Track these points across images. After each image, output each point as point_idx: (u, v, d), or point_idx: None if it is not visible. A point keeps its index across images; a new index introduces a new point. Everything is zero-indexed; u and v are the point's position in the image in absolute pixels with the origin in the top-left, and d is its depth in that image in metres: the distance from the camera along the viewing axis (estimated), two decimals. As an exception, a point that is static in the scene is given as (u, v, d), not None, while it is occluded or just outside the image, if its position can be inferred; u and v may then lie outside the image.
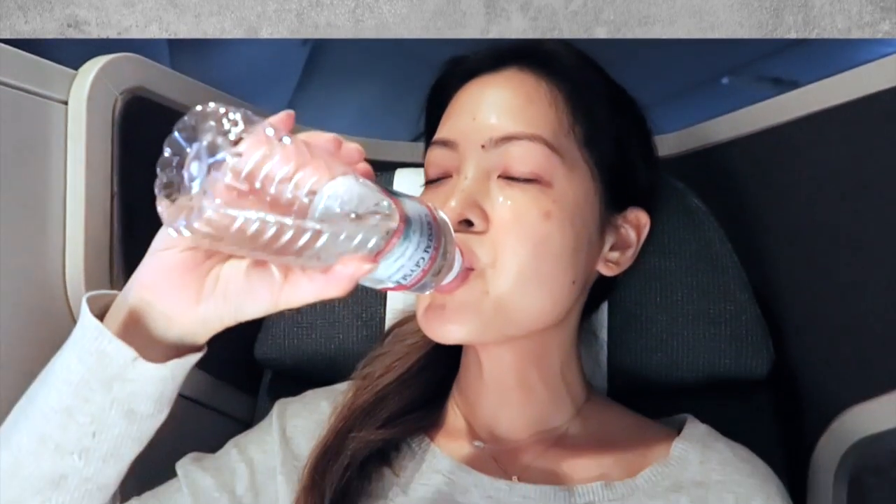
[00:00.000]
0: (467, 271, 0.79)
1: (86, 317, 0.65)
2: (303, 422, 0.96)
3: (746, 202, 1.19)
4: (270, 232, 0.53)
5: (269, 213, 0.53)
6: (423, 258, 0.66)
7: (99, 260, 0.99)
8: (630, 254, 0.94)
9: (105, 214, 0.99)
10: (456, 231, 0.79)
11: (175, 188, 0.54)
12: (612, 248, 0.92)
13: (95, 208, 0.98)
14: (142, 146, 1.03)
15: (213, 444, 0.94)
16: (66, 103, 0.96)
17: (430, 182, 0.90)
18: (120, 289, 0.93)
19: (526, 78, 0.87)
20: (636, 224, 0.94)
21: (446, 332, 0.82)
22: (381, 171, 1.17)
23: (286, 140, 0.54)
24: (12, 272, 0.92)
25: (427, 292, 0.73)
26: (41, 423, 0.65)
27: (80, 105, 0.96)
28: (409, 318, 1.05)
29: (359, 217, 0.57)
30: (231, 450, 0.94)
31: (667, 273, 1.06)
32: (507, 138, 0.83)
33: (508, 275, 0.80)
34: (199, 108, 0.55)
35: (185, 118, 0.55)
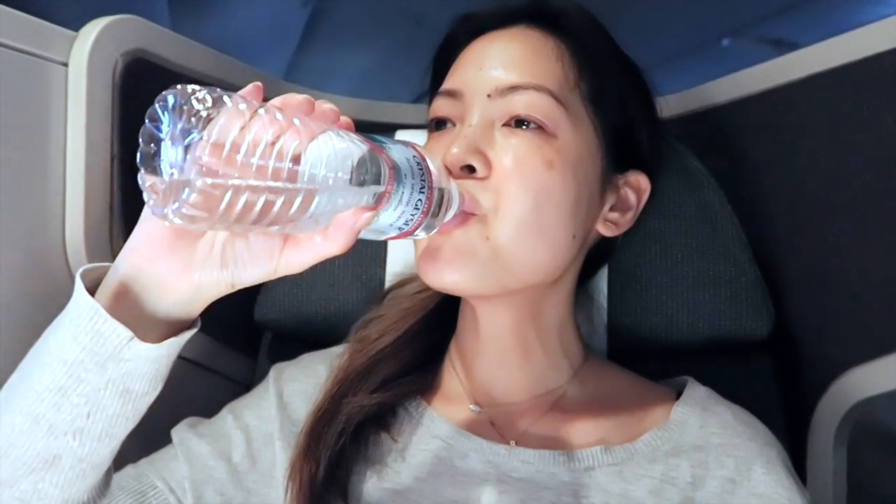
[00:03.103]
0: (466, 214, 0.78)
1: (80, 293, 0.63)
2: (300, 385, 0.97)
3: (747, 164, 1.19)
4: (261, 203, 0.53)
5: (256, 185, 0.52)
6: (420, 199, 0.66)
7: (99, 222, 1.00)
8: (629, 216, 0.94)
9: (105, 177, 0.99)
10: (457, 177, 0.79)
11: (156, 167, 0.54)
12: (612, 209, 0.92)
13: (96, 171, 0.98)
14: (142, 108, 1.02)
15: (213, 407, 0.95)
16: (66, 65, 0.96)
17: (432, 129, 0.91)
18: (119, 251, 0.93)
19: (533, 34, 0.88)
20: (636, 187, 0.94)
21: (444, 277, 0.81)
22: (382, 132, 1.17)
23: (260, 110, 0.54)
24: (13, 235, 0.92)
25: (432, 232, 0.72)
26: (35, 402, 0.64)
27: (81, 67, 0.96)
28: (406, 281, 1.06)
29: (348, 173, 0.57)
30: (227, 416, 0.94)
31: (666, 235, 1.06)
32: (514, 88, 0.83)
33: (509, 222, 0.80)
34: (169, 90, 0.53)
35: (156, 103, 0.54)
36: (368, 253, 1.12)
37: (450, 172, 0.79)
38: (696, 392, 0.94)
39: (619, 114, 0.90)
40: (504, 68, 0.85)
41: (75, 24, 0.98)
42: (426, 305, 0.98)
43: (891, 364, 0.96)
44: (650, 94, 0.97)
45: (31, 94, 0.93)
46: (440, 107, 0.88)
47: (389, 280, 1.12)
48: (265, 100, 0.58)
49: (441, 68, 0.95)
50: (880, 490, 1.15)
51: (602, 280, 1.07)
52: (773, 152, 1.14)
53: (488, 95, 0.84)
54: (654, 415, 0.91)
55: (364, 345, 0.96)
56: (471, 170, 0.80)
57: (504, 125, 0.83)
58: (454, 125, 0.87)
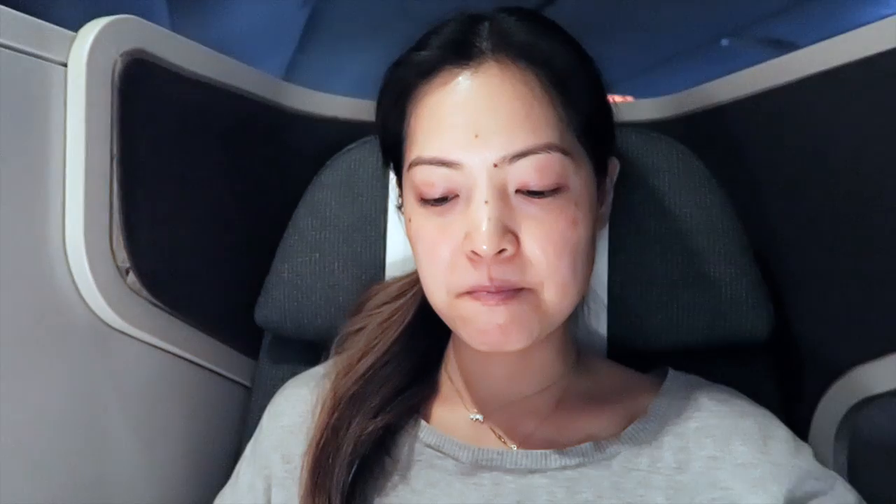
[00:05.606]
0: (515, 290, 0.79)
1: None
2: (288, 419, 0.97)
3: (747, 164, 1.19)
4: None
5: None
6: None
7: (99, 223, 0.99)
8: (609, 201, 0.95)
9: (105, 178, 0.99)
10: (491, 263, 0.77)
11: None
12: (600, 206, 0.92)
13: (95, 171, 0.98)
14: (142, 109, 1.03)
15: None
16: (65, 65, 0.96)
17: (425, 200, 0.83)
18: (119, 253, 0.92)
19: (510, 73, 0.80)
20: (611, 173, 0.94)
21: (506, 347, 0.81)
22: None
23: None
24: (12, 235, 0.92)
25: None
26: None
27: (80, 67, 0.95)
28: (377, 290, 1.05)
29: None
30: (239, 480, 0.97)
31: (667, 235, 1.06)
32: (523, 154, 0.77)
33: (557, 289, 0.80)
34: None
35: None
36: (368, 255, 1.12)
37: (475, 255, 0.78)
38: (675, 381, 0.95)
39: (597, 121, 0.87)
40: (506, 132, 0.77)
41: (75, 25, 0.98)
42: (403, 319, 0.98)
43: (891, 364, 0.96)
44: (601, 74, 0.90)
45: (31, 95, 0.93)
46: (434, 179, 0.81)
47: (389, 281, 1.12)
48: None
49: (391, 113, 0.90)
50: (881, 490, 1.15)
51: (602, 281, 1.07)
52: (773, 152, 1.14)
53: (494, 165, 0.78)
54: (637, 406, 0.92)
55: (349, 367, 0.96)
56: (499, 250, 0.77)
57: (517, 191, 0.79)
58: (454, 195, 0.81)
